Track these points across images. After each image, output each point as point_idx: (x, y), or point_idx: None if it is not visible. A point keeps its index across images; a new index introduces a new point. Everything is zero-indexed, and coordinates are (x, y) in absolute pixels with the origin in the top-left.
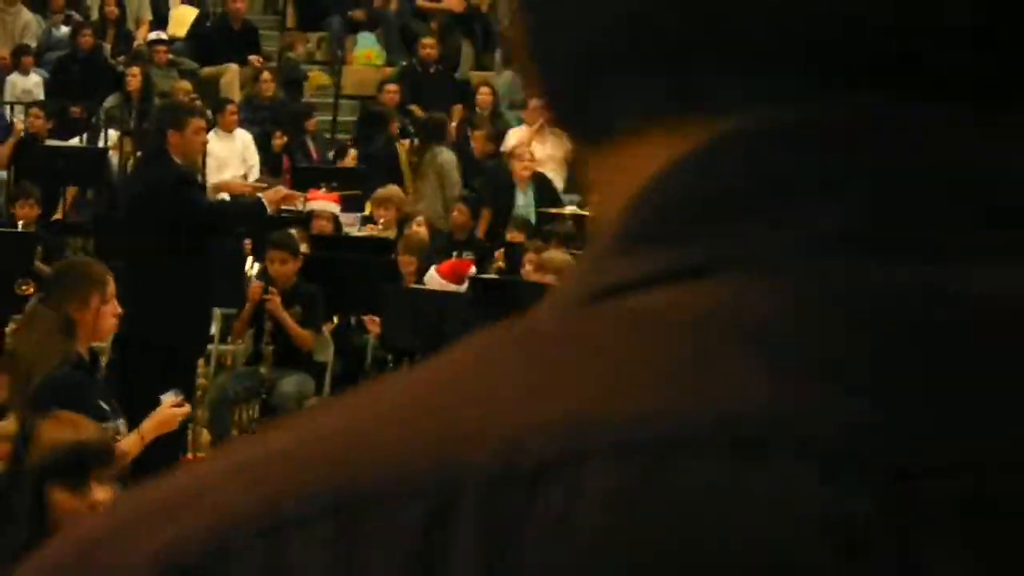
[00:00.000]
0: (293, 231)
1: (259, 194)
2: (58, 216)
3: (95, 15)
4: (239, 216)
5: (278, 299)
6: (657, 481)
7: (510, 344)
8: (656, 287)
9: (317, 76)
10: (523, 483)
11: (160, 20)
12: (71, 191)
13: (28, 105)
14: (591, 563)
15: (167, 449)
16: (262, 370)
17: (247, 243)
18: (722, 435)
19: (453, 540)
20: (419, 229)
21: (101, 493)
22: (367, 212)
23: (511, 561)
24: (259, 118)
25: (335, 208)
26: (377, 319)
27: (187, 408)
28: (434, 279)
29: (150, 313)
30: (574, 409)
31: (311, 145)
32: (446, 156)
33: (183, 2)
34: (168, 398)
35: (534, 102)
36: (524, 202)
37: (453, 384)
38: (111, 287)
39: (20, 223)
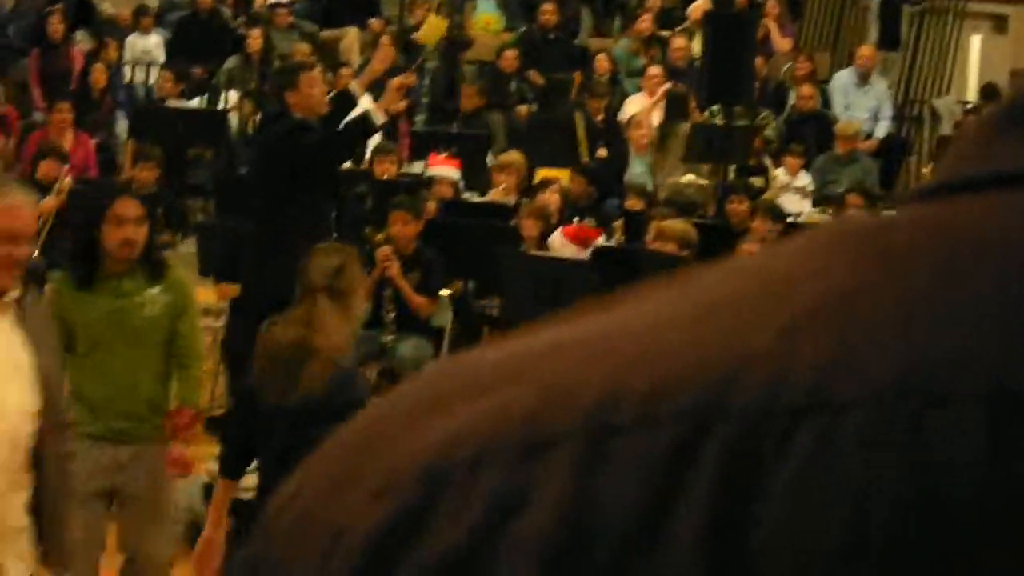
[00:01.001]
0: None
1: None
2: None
3: None
4: (348, 135)
5: (398, 266)
6: (917, 438)
7: (822, 254)
8: (1005, 190)
9: (434, 23)
10: (778, 425)
11: None
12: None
13: (148, 65)
14: (841, 510)
15: None
16: (381, 334)
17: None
18: (983, 396)
19: (696, 474)
20: (552, 196)
21: None
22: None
23: (756, 498)
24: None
25: (455, 174)
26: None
27: None
28: (557, 240)
29: (271, 274)
30: (834, 353)
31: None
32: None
33: None
34: None
35: (653, 69)
36: (642, 170)
37: (738, 298)
38: None
39: (140, 186)
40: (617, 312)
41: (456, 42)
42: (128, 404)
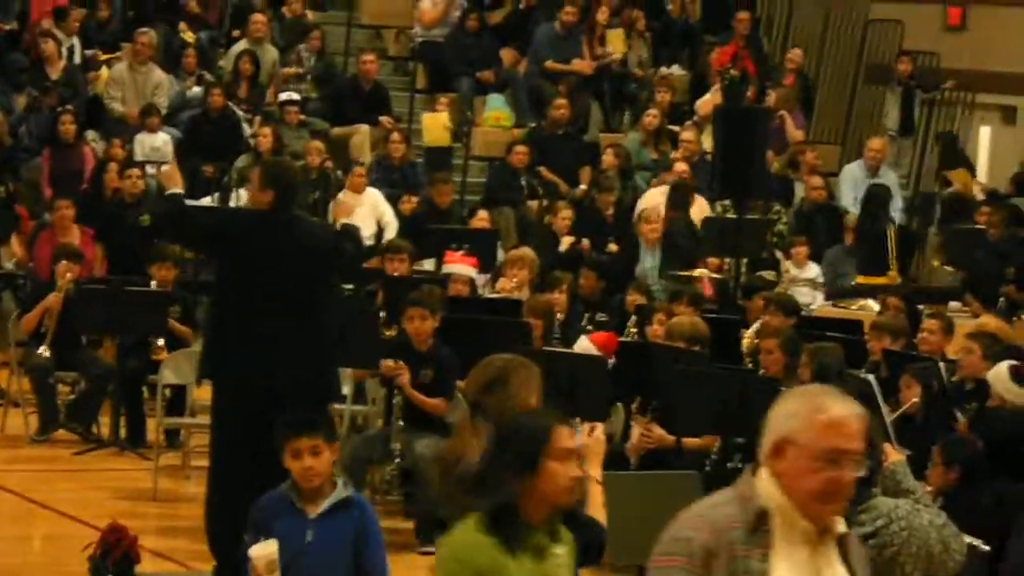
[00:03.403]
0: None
1: None
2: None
3: (228, 74)
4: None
5: (407, 376)
6: None
7: None
8: None
9: (433, 120)
10: None
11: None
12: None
13: (158, 164)
14: None
15: None
16: (392, 439)
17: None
18: None
19: None
20: (560, 297)
21: None
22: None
23: None
24: (389, 180)
25: (472, 272)
26: None
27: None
28: (583, 346)
29: (291, 368)
30: None
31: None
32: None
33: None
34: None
35: (679, 165)
36: (652, 264)
37: None
38: None
39: (155, 283)
40: None
41: None
42: None
